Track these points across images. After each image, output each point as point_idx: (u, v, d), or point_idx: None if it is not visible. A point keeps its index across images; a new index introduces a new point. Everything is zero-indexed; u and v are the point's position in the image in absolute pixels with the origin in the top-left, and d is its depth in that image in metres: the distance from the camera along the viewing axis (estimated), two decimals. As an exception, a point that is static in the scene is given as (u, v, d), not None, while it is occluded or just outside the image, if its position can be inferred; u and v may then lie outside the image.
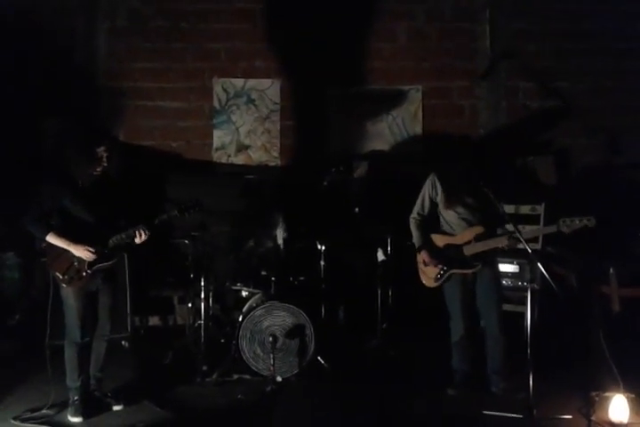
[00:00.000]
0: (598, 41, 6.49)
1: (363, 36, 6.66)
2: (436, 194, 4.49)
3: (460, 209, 4.40)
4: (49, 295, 4.08)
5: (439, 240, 4.49)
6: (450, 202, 4.42)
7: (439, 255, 4.44)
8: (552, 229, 4.07)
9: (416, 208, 4.59)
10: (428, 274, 4.52)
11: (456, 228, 4.43)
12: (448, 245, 4.43)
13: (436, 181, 4.49)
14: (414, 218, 4.58)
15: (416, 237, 4.58)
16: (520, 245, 4.06)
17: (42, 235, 3.99)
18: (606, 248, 5.07)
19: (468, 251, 4.34)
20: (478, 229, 4.34)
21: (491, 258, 4.41)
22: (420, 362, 5.15)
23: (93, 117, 6.54)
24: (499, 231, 4.36)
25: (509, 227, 4.22)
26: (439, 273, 4.45)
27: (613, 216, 4.53)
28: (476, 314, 4.53)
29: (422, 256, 4.51)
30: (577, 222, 3.93)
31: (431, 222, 4.55)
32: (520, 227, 4.25)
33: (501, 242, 4.23)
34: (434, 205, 4.52)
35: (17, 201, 4.49)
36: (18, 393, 4.45)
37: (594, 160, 6.45)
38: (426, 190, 4.54)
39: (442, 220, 4.51)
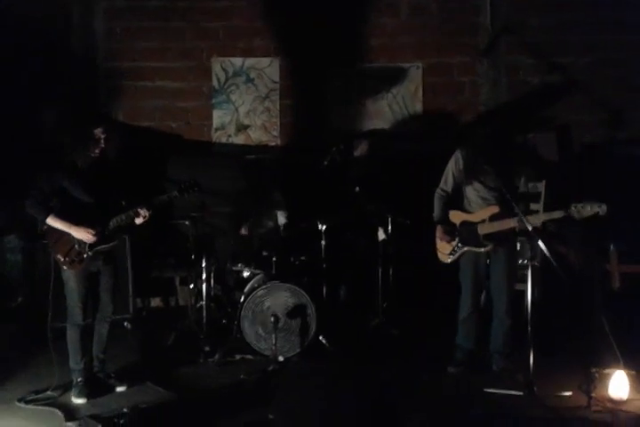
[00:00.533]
0: (600, 14, 6.36)
1: (363, 12, 6.57)
2: (459, 170, 4.44)
3: (480, 187, 4.35)
4: (51, 278, 4.08)
5: (456, 217, 4.46)
6: (468, 179, 4.39)
7: (454, 232, 4.43)
8: (561, 214, 3.99)
9: (441, 183, 4.55)
10: (442, 250, 4.52)
11: (475, 206, 4.40)
12: (464, 223, 4.40)
13: (460, 157, 4.43)
14: (437, 193, 4.55)
15: (435, 212, 4.55)
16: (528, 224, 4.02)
17: (42, 217, 3.99)
18: (607, 225, 5.04)
19: (481, 230, 4.30)
20: (494, 209, 4.28)
21: (505, 239, 4.32)
22: (420, 341, 5.17)
23: (92, 99, 6.50)
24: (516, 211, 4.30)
25: (517, 207, 4.13)
26: (452, 250, 4.44)
27: (615, 193, 4.49)
28: (487, 293, 4.54)
29: (437, 231, 4.50)
30: (588, 209, 3.86)
31: (454, 198, 4.51)
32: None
33: (512, 223, 4.16)
34: (457, 181, 4.48)
35: (17, 185, 4.48)
36: (21, 375, 4.48)
37: (596, 136, 6.39)
38: (450, 166, 4.49)
39: (464, 197, 4.47)
